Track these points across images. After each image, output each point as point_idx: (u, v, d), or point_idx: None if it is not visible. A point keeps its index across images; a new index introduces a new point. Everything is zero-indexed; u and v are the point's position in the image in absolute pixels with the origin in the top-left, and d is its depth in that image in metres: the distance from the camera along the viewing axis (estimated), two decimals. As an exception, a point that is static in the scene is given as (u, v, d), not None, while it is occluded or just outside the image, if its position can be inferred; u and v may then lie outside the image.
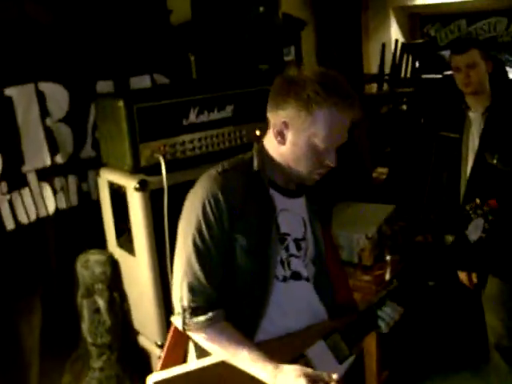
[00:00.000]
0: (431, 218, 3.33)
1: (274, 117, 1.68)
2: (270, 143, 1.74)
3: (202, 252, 1.66)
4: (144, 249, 2.54)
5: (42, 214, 2.82)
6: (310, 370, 1.57)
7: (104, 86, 3.03)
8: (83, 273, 2.83)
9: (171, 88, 3.19)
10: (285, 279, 1.74)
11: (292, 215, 1.78)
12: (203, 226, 1.65)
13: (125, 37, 3.09)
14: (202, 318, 1.66)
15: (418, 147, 4.00)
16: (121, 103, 2.46)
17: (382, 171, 5.00)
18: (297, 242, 1.78)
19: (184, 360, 1.92)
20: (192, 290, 1.67)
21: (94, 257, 2.83)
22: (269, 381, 1.60)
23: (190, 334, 1.73)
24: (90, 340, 2.84)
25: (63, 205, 2.91)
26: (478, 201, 1.86)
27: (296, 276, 1.76)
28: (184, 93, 2.65)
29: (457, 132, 2.98)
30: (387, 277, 3.00)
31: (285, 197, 1.77)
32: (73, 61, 2.89)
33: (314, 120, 1.60)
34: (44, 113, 2.81)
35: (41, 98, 2.79)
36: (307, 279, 1.79)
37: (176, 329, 1.84)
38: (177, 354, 1.92)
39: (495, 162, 2.24)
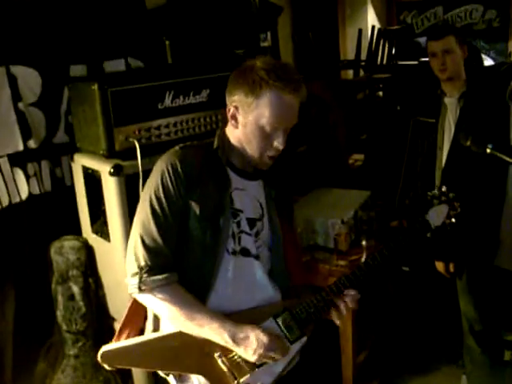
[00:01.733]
0: (406, 203, 3.36)
1: (229, 102, 1.78)
2: (229, 128, 1.84)
3: (158, 214, 1.73)
4: (119, 234, 2.52)
5: (15, 199, 2.78)
6: (268, 334, 1.67)
7: (77, 70, 2.99)
8: (57, 259, 2.80)
9: (146, 72, 3.16)
10: (234, 253, 1.80)
11: (247, 195, 1.85)
12: (160, 190, 1.73)
13: (99, 20, 3.05)
14: (158, 277, 1.71)
15: (393, 133, 4.01)
16: (95, 86, 2.42)
17: (357, 158, 5.02)
18: (250, 221, 1.84)
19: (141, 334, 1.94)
20: (148, 249, 1.72)
21: (68, 243, 2.80)
22: (225, 339, 1.68)
23: (142, 296, 1.75)
24: (64, 327, 2.82)
25: (36, 190, 2.87)
26: (443, 188, 1.88)
27: (245, 252, 1.82)
28: (159, 76, 2.63)
29: (433, 117, 3.00)
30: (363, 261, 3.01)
31: (241, 177, 1.84)
32: (45, 44, 2.85)
33: (259, 102, 1.70)
34: (16, 97, 2.76)
35: (12, 81, 2.74)
36: (256, 257, 1.83)
37: (134, 302, 1.88)
38: (133, 326, 1.92)
39: (469, 143, 2.27)
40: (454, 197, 1.86)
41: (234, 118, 1.78)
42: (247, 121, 1.74)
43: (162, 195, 1.73)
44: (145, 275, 1.71)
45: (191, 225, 1.75)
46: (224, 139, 1.85)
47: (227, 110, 1.79)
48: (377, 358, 3.67)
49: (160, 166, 1.77)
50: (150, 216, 1.73)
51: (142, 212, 1.76)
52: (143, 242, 1.73)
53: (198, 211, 1.74)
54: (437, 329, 3.82)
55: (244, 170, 1.85)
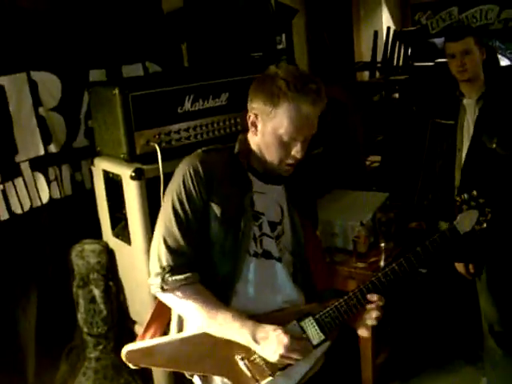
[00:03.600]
0: (425, 204, 3.35)
1: (249, 109, 1.81)
2: (250, 136, 1.86)
3: (179, 215, 1.76)
4: (140, 238, 2.53)
5: (36, 203, 2.80)
6: (289, 333, 1.67)
7: (96, 75, 3.01)
8: (78, 262, 2.82)
9: (166, 76, 3.17)
10: (256, 255, 1.81)
11: (269, 199, 1.86)
12: (182, 192, 1.76)
13: (117, 25, 3.07)
14: (180, 277, 1.74)
15: (411, 134, 4.00)
16: (116, 91, 2.44)
17: (374, 159, 5.01)
18: (272, 224, 1.85)
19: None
20: (171, 250, 1.75)
21: (89, 246, 2.82)
22: (247, 339, 1.69)
23: (165, 296, 1.78)
24: (85, 330, 2.84)
25: (57, 194, 2.89)
26: (474, 192, 1.84)
27: (267, 255, 1.82)
28: (179, 80, 2.64)
29: (451, 119, 2.99)
30: (382, 264, 3.01)
31: (262, 182, 1.85)
32: (65, 50, 2.87)
33: (278, 113, 1.72)
34: (36, 102, 2.78)
35: (33, 87, 2.77)
36: (278, 260, 1.84)
37: (159, 303, 1.90)
38: (158, 327, 1.95)
39: (494, 146, 2.25)
40: (485, 202, 1.82)
41: (254, 125, 1.80)
42: (266, 130, 1.76)
43: (183, 197, 1.76)
44: (167, 275, 1.74)
45: (213, 226, 1.78)
46: (246, 144, 1.87)
47: (248, 116, 1.82)
48: (396, 359, 3.67)
49: (182, 169, 1.80)
50: (172, 217, 1.76)
51: (165, 214, 1.79)
52: (166, 242, 1.76)
53: (219, 213, 1.77)
54: (456, 330, 3.80)
55: (265, 174, 1.86)
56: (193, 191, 1.76)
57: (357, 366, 3.28)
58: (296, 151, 1.76)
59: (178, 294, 1.75)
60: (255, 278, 1.80)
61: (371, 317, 1.78)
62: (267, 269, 1.82)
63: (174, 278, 1.73)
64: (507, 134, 2.40)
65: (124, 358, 1.80)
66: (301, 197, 1.96)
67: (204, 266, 1.79)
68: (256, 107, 1.77)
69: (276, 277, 1.84)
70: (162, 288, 1.74)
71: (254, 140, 1.83)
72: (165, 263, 1.74)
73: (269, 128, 1.75)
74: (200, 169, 1.77)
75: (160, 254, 1.76)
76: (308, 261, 1.94)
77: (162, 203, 1.85)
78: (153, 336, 1.92)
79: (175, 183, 1.80)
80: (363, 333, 1.82)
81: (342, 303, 1.78)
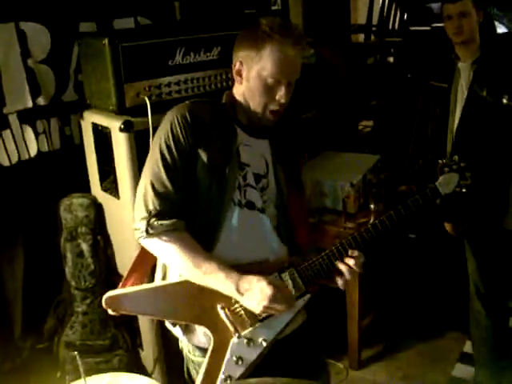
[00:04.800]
0: (415, 168, 3.34)
1: (234, 59, 1.85)
2: (235, 87, 1.90)
3: (167, 160, 1.77)
4: (128, 192, 2.52)
5: (24, 156, 2.77)
6: (273, 285, 1.68)
7: (87, 28, 2.95)
8: (66, 216, 2.81)
9: (157, 28, 3.12)
10: (240, 204, 1.82)
11: (254, 152, 1.89)
12: (170, 138, 1.78)
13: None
14: (167, 222, 1.74)
15: (404, 98, 3.98)
16: (105, 41, 2.40)
17: (366, 124, 4.99)
18: (256, 176, 1.87)
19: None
20: (158, 194, 1.76)
21: (77, 200, 2.81)
22: (231, 290, 1.70)
23: (149, 241, 1.76)
24: (73, 284, 2.84)
25: (45, 148, 2.86)
26: (455, 157, 1.87)
27: (250, 205, 1.84)
28: (170, 33, 2.61)
29: (445, 82, 2.97)
30: (371, 225, 3.01)
31: (248, 134, 1.88)
32: (55, 0, 2.80)
33: (262, 55, 1.76)
34: (25, 53, 2.73)
35: (22, 37, 2.71)
36: (261, 211, 1.86)
37: (141, 252, 1.91)
38: (139, 275, 1.95)
39: (484, 93, 2.27)
40: (466, 166, 1.85)
41: (239, 73, 1.84)
42: (251, 75, 1.79)
43: (171, 142, 1.77)
44: (153, 219, 1.73)
45: (199, 173, 1.79)
46: (231, 97, 1.90)
47: (233, 65, 1.85)
48: (382, 321, 3.71)
49: (170, 116, 1.82)
50: (159, 162, 1.77)
51: (152, 159, 1.80)
52: (153, 187, 1.76)
53: (205, 159, 1.78)
54: (443, 294, 3.84)
55: (250, 128, 1.88)
56: (181, 137, 1.77)
57: (343, 327, 3.31)
58: (280, 95, 1.78)
59: (164, 238, 1.74)
60: (239, 226, 1.81)
61: (351, 271, 1.79)
62: (251, 219, 1.84)
63: (160, 222, 1.73)
64: (497, 84, 2.42)
65: (103, 304, 1.79)
66: (285, 155, 1.98)
67: (189, 212, 1.79)
68: (241, 54, 1.81)
69: (259, 227, 1.85)
70: (148, 232, 1.73)
71: (239, 90, 1.86)
72: (151, 207, 1.74)
73: (253, 72, 1.78)
74: (188, 116, 1.79)
75: (147, 198, 1.76)
76: (291, 217, 1.95)
77: (150, 150, 1.84)
78: (133, 284, 1.92)
79: (163, 130, 1.81)
80: (339, 283, 1.81)
81: (324, 257, 1.79)
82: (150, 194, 1.75)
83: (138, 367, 2.91)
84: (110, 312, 1.81)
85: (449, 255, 3.54)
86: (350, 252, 1.79)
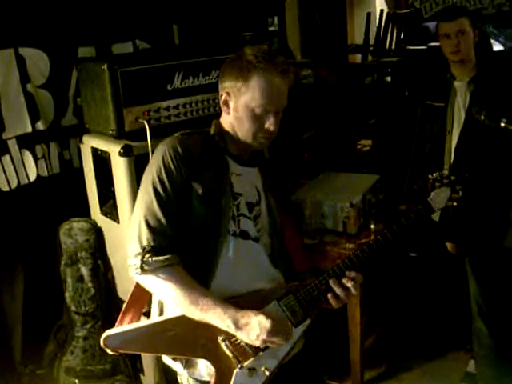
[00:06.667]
0: (415, 188, 3.35)
1: (220, 90, 1.85)
2: (222, 117, 1.90)
3: (161, 195, 1.75)
4: (128, 216, 2.50)
5: (24, 181, 2.78)
6: (271, 319, 1.66)
7: (85, 52, 2.98)
8: (66, 241, 2.81)
9: (155, 52, 3.15)
10: (235, 234, 1.81)
11: (246, 181, 1.88)
12: (162, 172, 1.76)
13: (107, 2, 3.02)
14: (161, 258, 1.71)
15: (402, 117, 3.99)
16: (105, 66, 2.42)
17: (365, 143, 5.00)
18: (249, 205, 1.87)
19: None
20: (152, 230, 1.73)
21: (77, 224, 2.81)
22: (229, 325, 1.67)
23: (145, 277, 1.73)
24: (73, 308, 2.83)
25: (45, 172, 2.87)
26: (445, 172, 1.88)
27: (244, 235, 1.82)
28: (168, 57, 2.62)
29: (442, 101, 2.98)
30: (372, 245, 3.00)
31: (238, 164, 1.88)
32: (53, 26, 2.83)
33: (249, 86, 1.76)
34: (24, 78, 2.75)
35: (21, 63, 2.73)
36: (255, 240, 1.84)
37: (136, 288, 1.88)
38: (135, 311, 1.92)
39: (483, 117, 2.27)
40: (456, 180, 1.85)
41: (226, 104, 1.83)
42: (238, 105, 1.79)
43: (164, 176, 1.75)
44: (147, 255, 1.70)
45: (194, 205, 1.77)
46: (220, 127, 1.89)
47: (220, 96, 1.85)
48: (385, 342, 3.68)
49: (161, 150, 1.81)
50: (153, 196, 1.74)
51: (145, 194, 1.78)
52: (147, 222, 1.73)
53: (200, 191, 1.77)
54: (445, 314, 3.81)
55: (240, 157, 1.88)
56: (173, 170, 1.76)
57: (345, 348, 3.29)
58: (269, 124, 1.79)
59: (159, 275, 1.71)
60: (235, 257, 1.79)
61: (348, 294, 1.77)
62: (246, 249, 1.82)
63: (154, 258, 1.70)
64: (495, 107, 2.43)
65: (102, 345, 1.76)
66: (275, 181, 1.99)
67: (184, 246, 1.77)
68: (227, 85, 1.80)
69: (254, 257, 1.84)
70: (142, 268, 1.70)
71: (227, 120, 1.86)
72: (145, 243, 1.71)
73: (241, 103, 1.78)
74: (179, 149, 1.78)
75: (141, 234, 1.73)
76: (285, 243, 1.95)
77: (142, 184, 1.83)
78: (131, 321, 1.89)
79: (155, 164, 1.80)
80: (334, 304, 1.79)
81: (322, 281, 1.78)
82: (144, 229, 1.73)
83: (139, 392, 2.89)
84: (110, 352, 1.77)
85: (451, 274, 3.52)
86: (347, 273, 1.77)
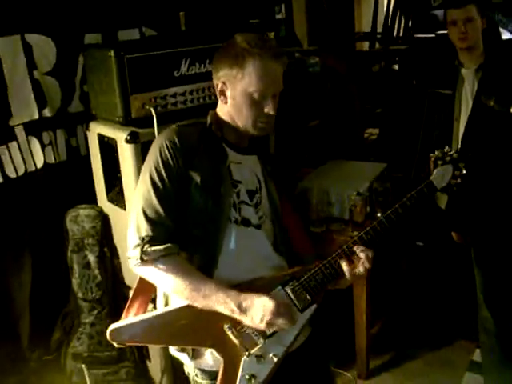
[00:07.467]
0: (422, 176, 3.33)
1: (216, 80, 1.84)
2: (219, 107, 1.90)
3: (158, 186, 1.75)
4: (135, 203, 2.51)
5: (31, 168, 2.78)
6: (274, 299, 1.66)
7: (92, 39, 2.96)
8: (73, 227, 2.81)
9: (162, 39, 3.14)
10: (236, 222, 1.81)
11: (245, 169, 1.89)
12: (160, 163, 1.76)
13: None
14: (160, 247, 1.71)
15: (409, 105, 3.97)
16: (111, 53, 2.42)
17: (372, 131, 4.99)
18: (250, 192, 1.87)
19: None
20: (150, 221, 1.73)
21: (83, 211, 2.81)
22: (232, 309, 1.67)
23: (145, 268, 1.73)
24: (80, 295, 2.85)
25: (52, 159, 2.87)
26: (447, 149, 1.84)
27: (246, 222, 1.83)
28: (175, 44, 2.61)
29: (449, 88, 2.97)
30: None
31: (237, 152, 1.88)
32: (60, 12, 2.82)
33: (245, 72, 1.76)
34: (31, 65, 2.75)
35: (27, 49, 2.72)
36: (257, 227, 1.85)
37: (140, 281, 1.88)
38: (141, 303, 1.92)
39: (492, 103, 2.26)
40: (459, 157, 1.81)
41: (223, 93, 1.83)
42: (235, 93, 1.79)
43: (161, 168, 1.76)
44: (146, 245, 1.70)
45: (193, 195, 1.77)
46: (216, 117, 1.90)
47: (215, 86, 1.84)
48: (390, 330, 3.68)
49: (158, 142, 1.81)
50: (150, 188, 1.75)
51: (143, 186, 1.78)
52: (145, 214, 1.73)
53: (198, 180, 1.77)
54: (451, 303, 3.81)
55: (238, 145, 1.89)
56: (170, 161, 1.76)
57: (351, 335, 3.30)
58: (268, 108, 1.79)
59: (158, 265, 1.71)
60: (237, 245, 1.79)
61: (360, 267, 1.76)
62: (248, 236, 1.82)
63: (153, 248, 1.70)
64: (505, 93, 2.42)
65: (109, 338, 1.76)
66: (275, 168, 1.99)
67: (185, 236, 1.77)
68: (222, 74, 1.80)
69: (257, 244, 1.83)
70: (142, 259, 1.70)
71: (224, 110, 1.86)
72: (144, 233, 1.71)
73: (238, 90, 1.78)
74: (176, 140, 1.78)
75: (139, 225, 1.73)
76: (287, 229, 1.95)
77: (140, 176, 1.83)
78: (137, 312, 1.88)
79: (152, 155, 1.80)
80: (347, 275, 1.77)
81: (327, 265, 1.77)
82: (143, 220, 1.73)
83: (145, 379, 2.90)
84: (116, 345, 1.78)
85: (457, 263, 3.52)
86: (355, 248, 1.75)
